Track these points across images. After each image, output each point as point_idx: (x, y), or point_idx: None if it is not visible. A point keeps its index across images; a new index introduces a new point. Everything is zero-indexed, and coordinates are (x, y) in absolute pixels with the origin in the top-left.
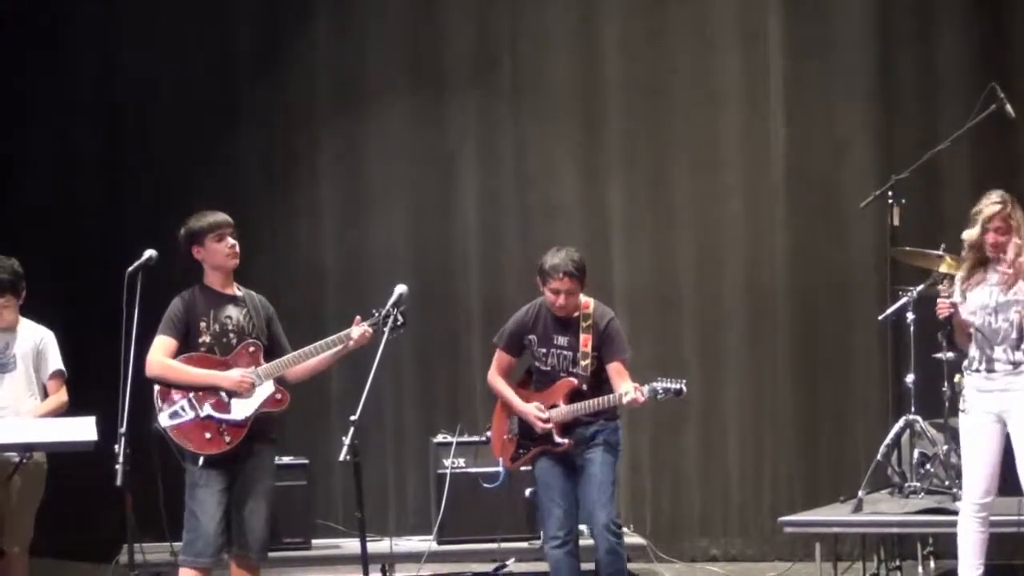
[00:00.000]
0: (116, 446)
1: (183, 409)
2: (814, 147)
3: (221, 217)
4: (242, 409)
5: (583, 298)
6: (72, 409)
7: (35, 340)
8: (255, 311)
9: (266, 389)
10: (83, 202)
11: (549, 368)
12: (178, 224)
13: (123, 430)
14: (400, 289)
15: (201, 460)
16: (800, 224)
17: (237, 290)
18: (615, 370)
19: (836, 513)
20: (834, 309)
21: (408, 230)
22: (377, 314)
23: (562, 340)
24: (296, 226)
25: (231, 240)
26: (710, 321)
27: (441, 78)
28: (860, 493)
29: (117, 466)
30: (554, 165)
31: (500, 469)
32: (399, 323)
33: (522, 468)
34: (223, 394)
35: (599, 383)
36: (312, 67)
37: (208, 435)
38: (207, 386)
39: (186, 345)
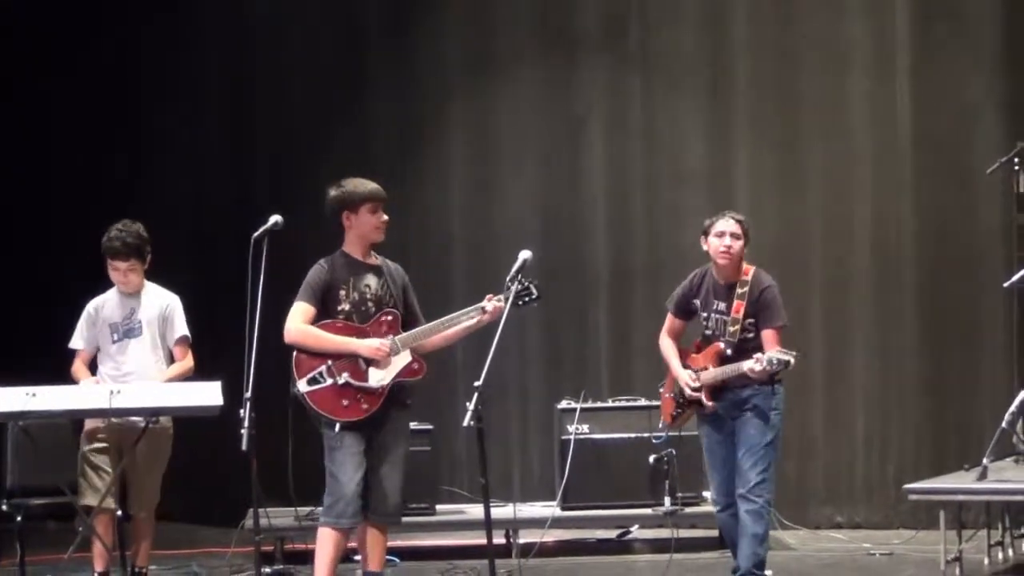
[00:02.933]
0: (241, 411)
1: (321, 376)
2: (941, 113)
3: (379, 190)
4: (379, 377)
5: (745, 265)
6: (199, 374)
7: (161, 305)
8: (392, 280)
9: (403, 358)
10: (212, 168)
11: (710, 332)
12: (306, 191)
13: (248, 395)
14: (524, 255)
15: (337, 426)
16: (927, 190)
17: (375, 259)
18: (766, 338)
19: (961, 481)
20: (960, 276)
21: (536, 196)
22: (509, 288)
23: (721, 305)
24: (425, 192)
25: (384, 215)
26: (837, 287)
27: (570, 44)
28: (985, 461)
29: (243, 431)
30: (682, 131)
31: (661, 429)
32: (534, 296)
33: (678, 433)
34: (361, 362)
35: (747, 350)
36: (442, 33)
37: (345, 402)
38: (346, 353)
39: (325, 312)
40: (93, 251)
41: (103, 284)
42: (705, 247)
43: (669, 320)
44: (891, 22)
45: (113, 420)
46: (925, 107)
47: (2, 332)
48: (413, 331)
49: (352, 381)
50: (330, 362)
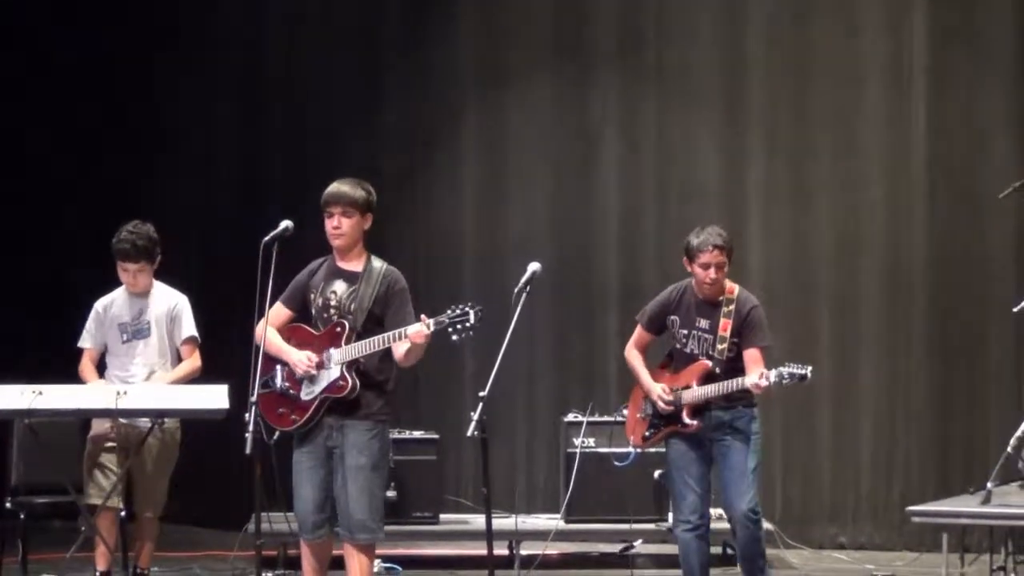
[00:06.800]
0: (246, 414)
1: (271, 380)
2: (955, 135)
3: (334, 192)
4: (309, 390)
5: (728, 283)
6: (207, 376)
7: (169, 304)
8: (368, 288)
9: (332, 373)
10: (223, 173)
11: (689, 351)
12: (318, 198)
13: (254, 398)
14: (533, 267)
15: (276, 434)
16: (939, 212)
17: (364, 264)
18: (751, 357)
19: (965, 504)
20: (969, 298)
21: (547, 207)
22: (449, 312)
23: (704, 323)
24: (436, 200)
25: (336, 221)
26: (846, 307)
27: (585, 56)
28: (989, 485)
29: (247, 434)
30: (695, 146)
31: (631, 449)
32: (469, 325)
33: (652, 449)
34: (297, 372)
35: (734, 369)
36: (456, 45)
37: (281, 410)
38: (280, 358)
39: (306, 316)
40: (102, 249)
41: (112, 283)
42: (688, 268)
43: (638, 333)
44: (908, 42)
45: (120, 420)
46: (939, 127)
47: (10, 330)
48: (346, 348)
49: (290, 390)
50: (279, 366)
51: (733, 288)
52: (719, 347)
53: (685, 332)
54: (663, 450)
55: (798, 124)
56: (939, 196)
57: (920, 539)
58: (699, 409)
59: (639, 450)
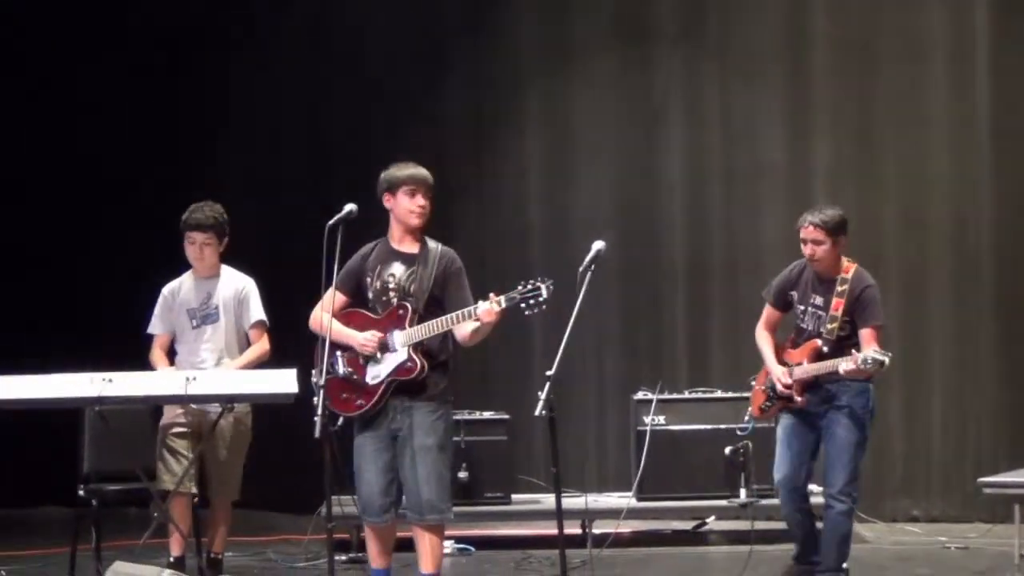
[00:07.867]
0: (315, 398)
1: (332, 366)
2: (1020, 105)
3: (421, 173)
4: (374, 374)
5: (846, 262)
6: (276, 361)
7: (236, 288)
8: (427, 269)
9: (399, 356)
10: (289, 157)
11: (806, 326)
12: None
13: (322, 382)
14: (598, 245)
15: (340, 420)
16: (1006, 182)
17: (420, 246)
18: (864, 337)
19: None
20: None
21: (613, 187)
22: (520, 288)
23: (819, 300)
24: (502, 182)
25: (422, 200)
26: (914, 279)
27: (648, 34)
28: None
29: (316, 418)
30: (759, 123)
31: (747, 423)
32: (541, 300)
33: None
34: (360, 356)
35: (844, 348)
36: (520, 23)
37: (345, 395)
38: (343, 343)
39: (362, 300)
40: (171, 237)
41: (182, 269)
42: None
43: (767, 311)
44: (970, 14)
45: (191, 406)
46: (1003, 99)
47: (82, 317)
48: (410, 330)
49: (353, 375)
50: (339, 352)
51: (849, 267)
52: (829, 326)
53: (802, 308)
54: (747, 426)
55: (862, 98)
56: (1005, 167)
57: (993, 511)
58: (809, 385)
59: (755, 422)
